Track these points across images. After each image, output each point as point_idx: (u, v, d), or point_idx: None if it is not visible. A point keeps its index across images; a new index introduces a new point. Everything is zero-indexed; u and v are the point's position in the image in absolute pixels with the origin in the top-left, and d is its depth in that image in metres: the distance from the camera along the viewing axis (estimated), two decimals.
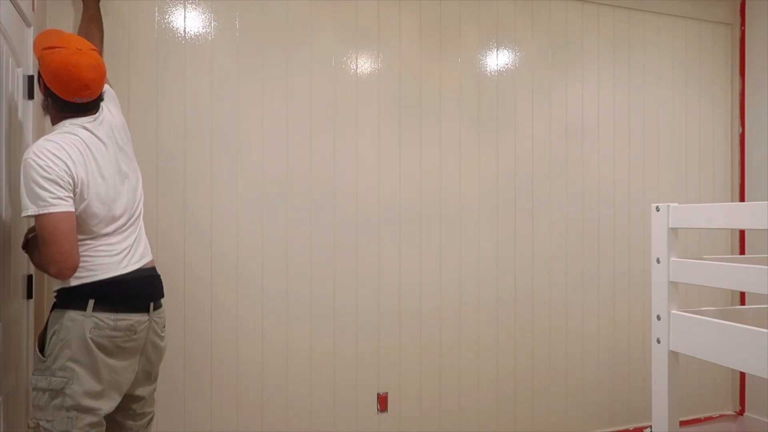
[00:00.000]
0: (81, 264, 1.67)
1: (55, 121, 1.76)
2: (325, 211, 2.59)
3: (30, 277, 2.00)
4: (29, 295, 2.00)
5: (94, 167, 1.71)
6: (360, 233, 2.65)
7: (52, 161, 1.59)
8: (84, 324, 1.66)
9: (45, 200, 1.57)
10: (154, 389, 1.96)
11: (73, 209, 1.63)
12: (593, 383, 3.11)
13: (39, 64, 1.70)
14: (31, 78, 2.00)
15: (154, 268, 1.91)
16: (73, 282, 1.68)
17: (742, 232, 3.40)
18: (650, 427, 2.89)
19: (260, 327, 2.49)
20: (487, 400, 2.88)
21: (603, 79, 3.14)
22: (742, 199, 3.38)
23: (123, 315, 1.71)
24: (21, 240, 1.80)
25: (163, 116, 2.36)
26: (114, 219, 1.76)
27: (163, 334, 1.90)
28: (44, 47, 1.68)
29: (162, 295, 1.91)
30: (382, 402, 2.68)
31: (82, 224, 1.68)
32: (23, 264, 1.95)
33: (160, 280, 1.93)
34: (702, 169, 3.37)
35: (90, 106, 1.75)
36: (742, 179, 3.38)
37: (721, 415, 3.37)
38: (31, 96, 2.00)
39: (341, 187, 2.62)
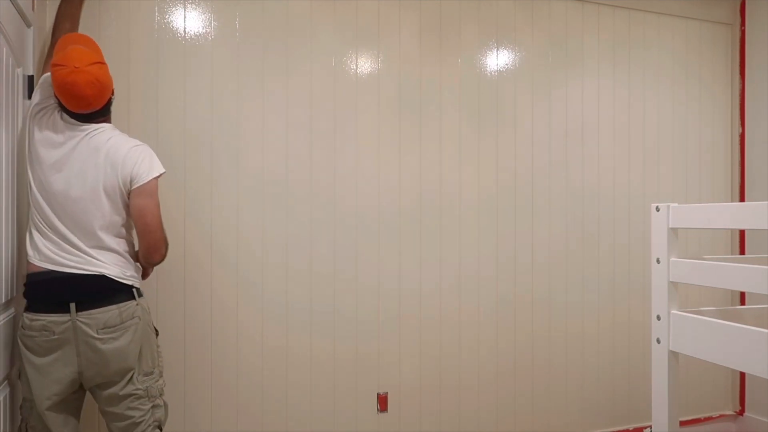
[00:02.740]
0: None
1: None
2: (326, 212, 2.59)
3: None
4: None
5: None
6: (360, 234, 2.64)
7: None
8: (18, 322, 1.79)
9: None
10: (132, 394, 1.80)
11: None
12: (593, 383, 3.10)
13: None
14: (31, 78, 2.00)
15: (88, 274, 1.75)
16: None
17: (742, 232, 3.40)
18: (650, 427, 2.89)
19: (260, 328, 2.49)
20: (487, 400, 2.88)
21: (603, 79, 3.14)
22: (742, 199, 3.38)
23: (37, 315, 1.71)
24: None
25: (163, 116, 2.36)
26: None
27: (102, 336, 1.72)
28: (52, 63, 1.76)
29: (95, 296, 1.74)
30: (382, 402, 2.68)
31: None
32: (23, 263, 1.94)
33: (97, 282, 1.75)
34: (702, 169, 3.37)
35: (95, 115, 1.84)
36: (742, 179, 3.38)
37: (721, 415, 3.37)
38: (30, 96, 2.00)
39: (341, 187, 2.62)
